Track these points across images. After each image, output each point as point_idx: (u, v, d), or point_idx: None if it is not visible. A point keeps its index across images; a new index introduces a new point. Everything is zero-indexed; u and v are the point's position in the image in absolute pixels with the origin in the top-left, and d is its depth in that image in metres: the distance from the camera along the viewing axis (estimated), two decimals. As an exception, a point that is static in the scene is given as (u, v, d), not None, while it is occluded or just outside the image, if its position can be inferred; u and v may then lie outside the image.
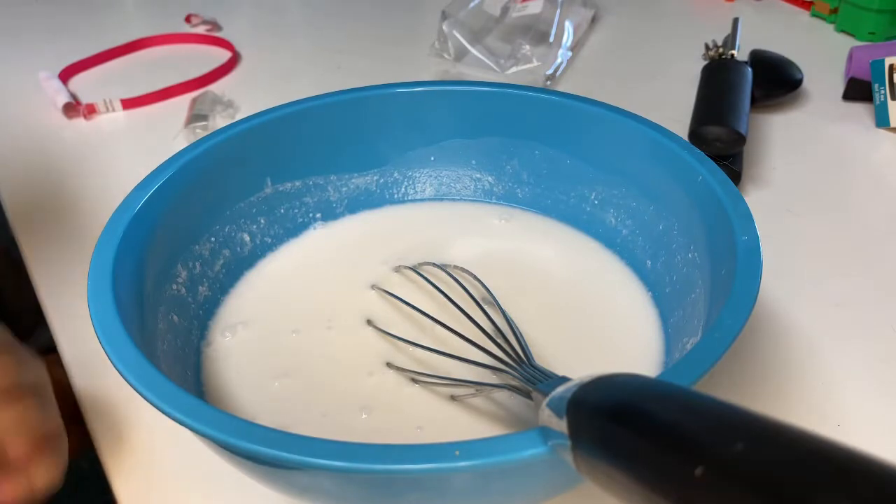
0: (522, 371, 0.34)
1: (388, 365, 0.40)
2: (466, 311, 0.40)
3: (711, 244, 0.38)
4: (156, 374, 0.30)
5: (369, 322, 0.43)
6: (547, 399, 0.25)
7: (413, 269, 0.45)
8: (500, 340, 0.37)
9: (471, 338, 0.38)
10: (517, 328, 0.39)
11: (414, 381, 0.39)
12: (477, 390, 0.37)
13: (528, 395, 0.32)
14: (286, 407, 0.39)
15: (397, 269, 0.46)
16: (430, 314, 0.41)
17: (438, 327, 0.40)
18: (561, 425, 0.23)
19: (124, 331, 0.32)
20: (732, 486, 0.15)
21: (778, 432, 0.16)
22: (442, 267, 0.45)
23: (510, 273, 0.47)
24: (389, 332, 0.42)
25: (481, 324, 0.39)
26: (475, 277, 0.44)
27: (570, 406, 0.22)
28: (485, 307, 0.41)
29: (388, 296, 0.44)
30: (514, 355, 0.36)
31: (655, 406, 0.19)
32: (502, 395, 0.37)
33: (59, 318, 0.48)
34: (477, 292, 0.43)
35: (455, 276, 0.44)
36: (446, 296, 0.41)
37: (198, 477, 0.38)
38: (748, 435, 0.16)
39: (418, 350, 0.40)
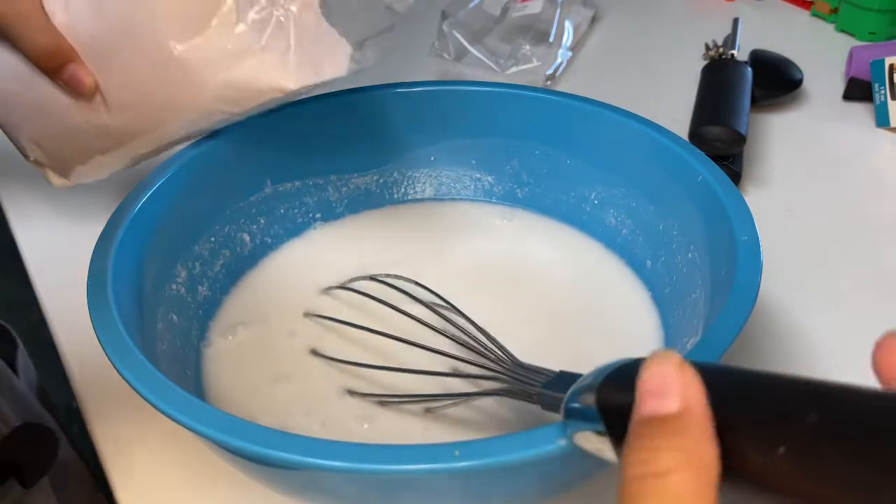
0: (512, 374, 0.33)
1: (350, 393, 0.39)
2: (429, 322, 0.39)
3: (711, 244, 0.38)
4: (155, 374, 0.30)
5: (316, 353, 0.41)
6: (567, 395, 0.24)
7: (384, 281, 0.43)
8: (476, 347, 0.36)
9: (444, 349, 0.37)
10: (484, 331, 0.38)
11: (381, 404, 0.38)
12: (460, 401, 0.36)
13: (523, 398, 0.32)
14: (286, 410, 0.39)
15: (371, 278, 0.44)
16: (400, 336, 0.39)
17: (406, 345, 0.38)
18: (590, 416, 0.23)
19: (124, 331, 0.32)
20: (818, 457, 0.16)
21: (842, 395, 0.17)
22: (397, 286, 0.43)
23: (510, 273, 0.47)
24: (343, 359, 0.40)
25: (448, 333, 0.38)
26: (431, 291, 0.42)
27: (604, 395, 0.22)
28: (446, 315, 0.39)
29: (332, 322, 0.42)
30: (497, 360, 0.35)
31: (718, 381, 0.20)
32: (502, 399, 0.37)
33: (58, 318, 0.48)
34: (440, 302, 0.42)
35: (410, 291, 0.42)
36: (411, 316, 0.40)
37: (198, 477, 0.38)
38: (818, 404, 0.17)
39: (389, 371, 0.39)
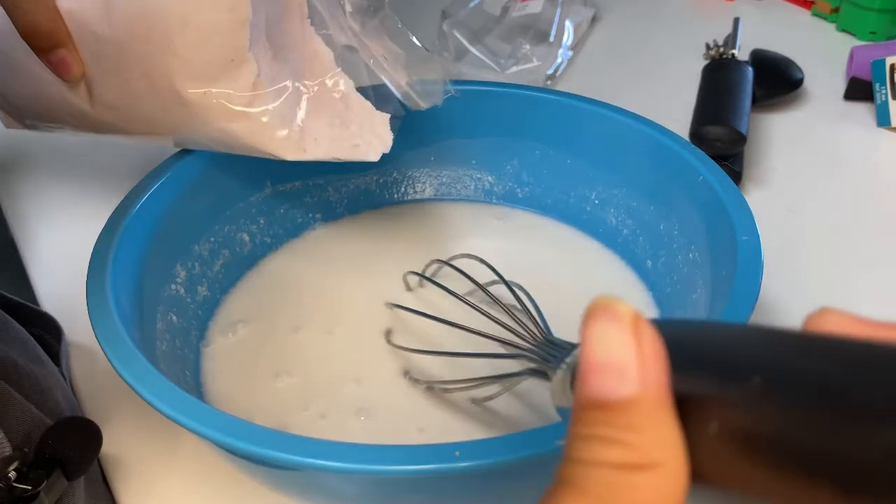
0: (539, 350, 0.31)
1: (406, 375, 0.39)
2: (472, 302, 0.39)
3: (712, 244, 0.38)
4: (155, 374, 0.30)
5: (388, 337, 0.42)
6: (561, 365, 0.22)
7: (418, 274, 0.45)
8: (511, 322, 0.36)
9: (482, 329, 0.36)
10: (529, 303, 0.38)
11: (430, 389, 0.38)
12: (500, 385, 0.35)
13: (547, 378, 0.30)
14: (285, 407, 0.39)
15: (405, 275, 0.45)
16: (439, 316, 0.39)
17: (449, 329, 0.39)
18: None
19: (123, 331, 0.32)
20: (789, 391, 0.13)
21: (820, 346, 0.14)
22: (447, 262, 0.44)
23: (510, 273, 0.46)
24: (401, 344, 0.41)
25: (486, 310, 0.37)
26: (480, 260, 0.43)
27: None
28: (491, 291, 0.40)
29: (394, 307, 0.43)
30: (528, 334, 0.34)
31: (692, 334, 0.17)
32: (507, 396, 0.37)
33: (57, 318, 0.47)
34: (483, 278, 0.42)
35: (459, 266, 0.43)
36: (450, 291, 0.40)
37: (198, 477, 0.38)
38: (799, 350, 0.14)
39: (429, 356, 0.40)
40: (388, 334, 0.42)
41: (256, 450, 0.26)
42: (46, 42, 0.36)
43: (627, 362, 0.15)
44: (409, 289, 0.45)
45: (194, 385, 0.39)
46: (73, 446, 0.32)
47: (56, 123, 0.43)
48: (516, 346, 0.33)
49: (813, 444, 0.12)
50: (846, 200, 0.56)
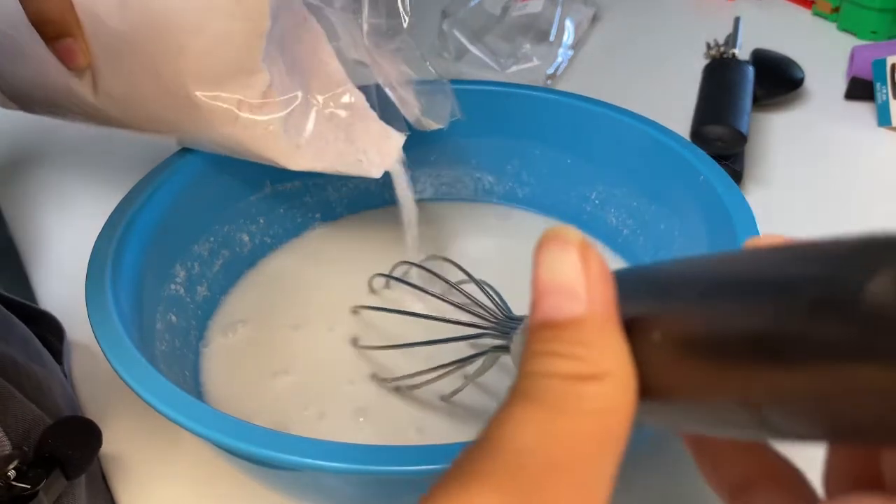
0: (500, 327, 0.33)
1: (373, 378, 0.40)
2: (435, 293, 0.39)
3: (713, 244, 0.38)
4: (154, 374, 0.30)
5: (354, 344, 0.42)
6: (518, 330, 0.23)
7: (385, 275, 0.44)
8: (475, 308, 0.36)
9: (448, 317, 0.37)
10: (490, 290, 0.38)
11: (398, 389, 0.38)
12: (467, 372, 0.36)
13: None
14: (284, 407, 0.38)
15: (377, 276, 0.45)
16: (404, 309, 0.41)
17: (415, 328, 0.39)
18: None
19: (123, 331, 0.32)
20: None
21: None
22: (415, 264, 0.44)
23: (510, 273, 0.46)
24: (370, 345, 0.41)
25: (453, 300, 0.38)
26: (445, 259, 0.43)
27: None
28: (457, 287, 0.40)
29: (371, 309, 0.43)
30: (490, 314, 0.35)
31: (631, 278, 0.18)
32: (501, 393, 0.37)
33: (57, 317, 0.47)
34: (454, 277, 0.42)
35: (431, 269, 0.43)
36: (415, 286, 0.41)
37: (198, 477, 0.38)
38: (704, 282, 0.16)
39: (405, 357, 0.40)
40: (354, 341, 0.42)
41: (256, 450, 0.26)
42: (54, 30, 0.36)
43: (576, 283, 0.16)
44: (373, 291, 0.45)
45: (194, 385, 0.39)
46: (72, 446, 0.32)
47: (55, 108, 0.42)
48: (479, 327, 0.34)
49: (736, 328, 0.14)
50: (847, 200, 0.56)
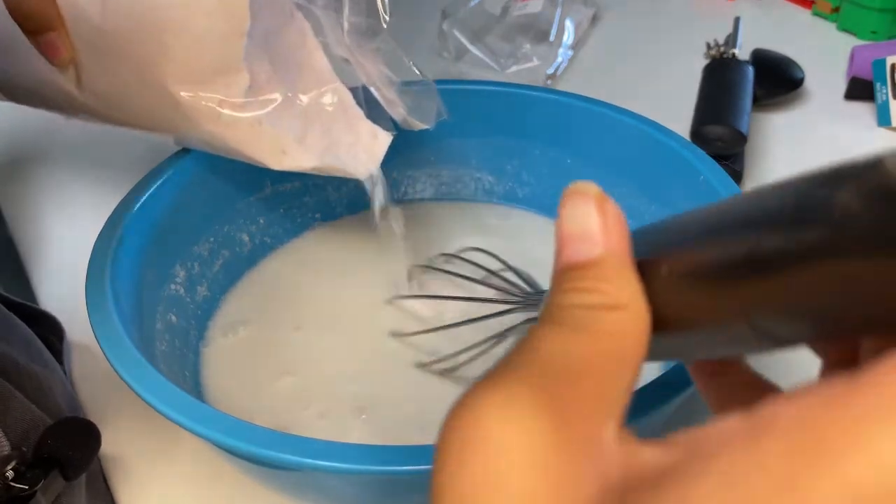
0: (532, 300, 0.34)
1: (418, 366, 0.40)
2: (472, 277, 0.41)
3: (713, 244, 0.38)
4: (154, 374, 0.30)
5: (394, 334, 0.42)
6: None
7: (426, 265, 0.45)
8: (507, 286, 0.38)
9: (478, 305, 0.38)
10: (521, 277, 0.40)
11: (424, 365, 0.39)
12: (496, 342, 0.37)
13: None
14: (285, 407, 0.38)
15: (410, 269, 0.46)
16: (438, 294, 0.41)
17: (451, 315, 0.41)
18: None
19: (123, 331, 0.32)
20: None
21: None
22: (454, 255, 0.45)
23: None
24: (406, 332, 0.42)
25: (489, 282, 0.39)
26: (481, 250, 0.45)
27: None
28: (496, 275, 0.42)
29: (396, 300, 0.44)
30: (521, 292, 0.36)
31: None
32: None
33: (56, 317, 0.47)
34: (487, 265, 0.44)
35: (465, 257, 0.45)
36: (454, 273, 0.42)
37: (198, 477, 0.38)
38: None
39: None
40: (393, 333, 0.42)
41: (256, 450, 0.26)
42: (35, 24, 0.36)
43: (594, 230, 0.19)
44: (412, 280, 0.46)
45: (194, 385, 0.39)
46: (71, 446, 0.32)
47: (41, 100, 0.42)
48: (511, 303, 0.36)
49: (730, 251, 0.16)
50: (847, 200, 0.56)
